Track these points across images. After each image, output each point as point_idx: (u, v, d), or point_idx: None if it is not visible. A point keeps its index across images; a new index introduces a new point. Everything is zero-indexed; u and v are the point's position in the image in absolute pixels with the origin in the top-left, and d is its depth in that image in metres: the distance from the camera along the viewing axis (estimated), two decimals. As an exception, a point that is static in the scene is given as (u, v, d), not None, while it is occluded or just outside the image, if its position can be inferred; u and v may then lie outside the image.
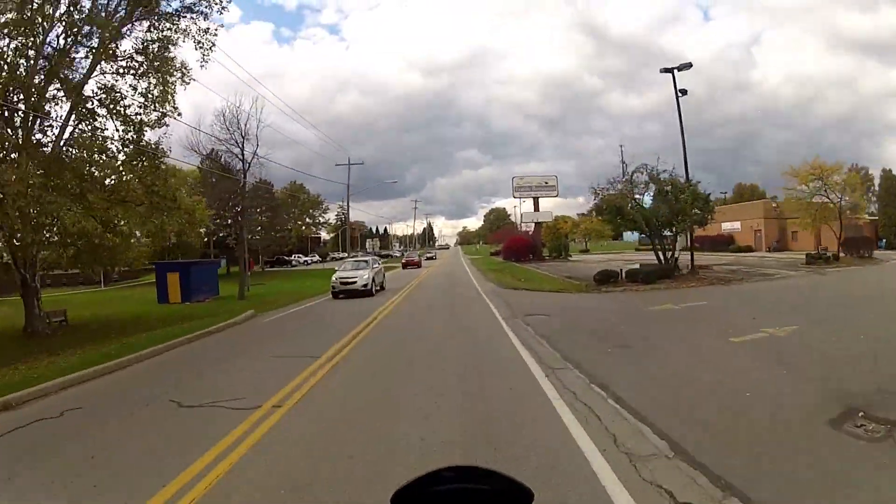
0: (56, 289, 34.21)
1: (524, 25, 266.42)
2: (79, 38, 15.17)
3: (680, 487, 4.07)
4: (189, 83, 16.60)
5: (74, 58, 15.29)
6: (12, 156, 13.81)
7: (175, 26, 16.07)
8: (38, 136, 14.69)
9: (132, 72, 15.74)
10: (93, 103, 14.95)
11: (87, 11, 14.98)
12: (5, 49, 14.15)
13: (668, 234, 24.22)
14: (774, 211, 49.78)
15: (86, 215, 14.86)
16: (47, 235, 14.90)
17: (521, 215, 56.62)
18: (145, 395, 7.92)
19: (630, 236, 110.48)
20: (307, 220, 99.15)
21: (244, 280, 26.18)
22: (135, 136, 15.38)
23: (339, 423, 6.08)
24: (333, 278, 23.67)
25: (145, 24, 15.86)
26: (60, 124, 14.92)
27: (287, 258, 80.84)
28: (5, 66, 14.02)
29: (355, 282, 22.83)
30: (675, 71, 25.56)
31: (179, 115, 16.79)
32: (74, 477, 4.85)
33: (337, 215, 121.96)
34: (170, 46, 16.12)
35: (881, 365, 7.44)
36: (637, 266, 23.77)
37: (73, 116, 14.89)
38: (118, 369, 10.26)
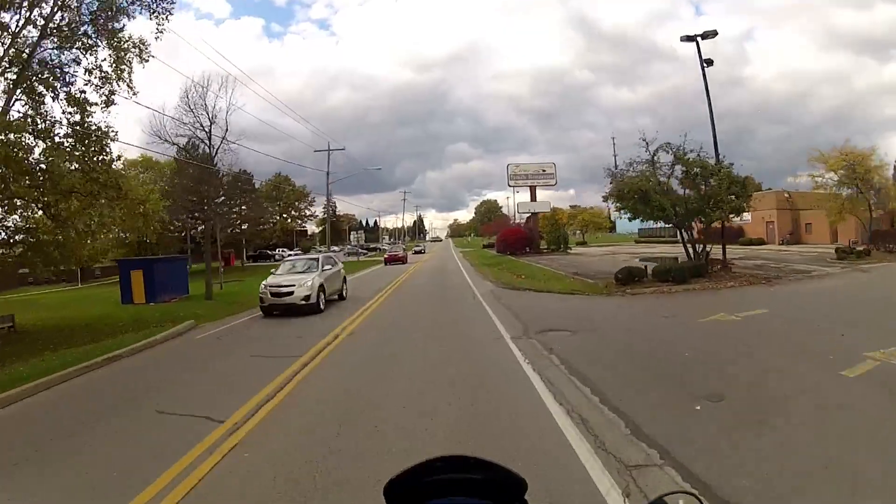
0: (36, 287, 35.14)
1: (516, 19, 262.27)
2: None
3: None
4: (147, 60, 15.36)
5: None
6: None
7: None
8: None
9: (78, 44, 14.55)
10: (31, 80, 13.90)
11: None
12: None
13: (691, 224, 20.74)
14: (788, 202, 46.63)
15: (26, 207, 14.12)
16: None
17: (517, 205, 52.46)
18: None
19: (625, 227, 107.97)
20: (293, 212, 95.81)
21: (211, 279, 23.68)
22: (79, 118, 13.91)
23: None
24: (262, 286, 16.49)
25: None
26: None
27: (270, 252, 77.29)
28: None
29: (292, 292, 15.71)
30: (700, 39, 22.18)
31: (135, 94, 15.27)
32: None
33: (324, 208, 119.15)
34: (118, 16, 15.00)
35: None
36: (652, 261, 20.54)
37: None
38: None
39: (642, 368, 7.98)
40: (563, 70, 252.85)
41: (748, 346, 9.24)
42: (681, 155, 19.56)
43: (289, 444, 5.43)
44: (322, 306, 16.16)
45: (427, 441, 5.23)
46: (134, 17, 15.74)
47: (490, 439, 5.26)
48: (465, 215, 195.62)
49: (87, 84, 14.48)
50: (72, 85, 14.42)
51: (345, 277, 19.90)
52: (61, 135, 13.63)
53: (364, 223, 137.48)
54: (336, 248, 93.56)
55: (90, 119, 14.08)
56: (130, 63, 14.97)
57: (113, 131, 14.14)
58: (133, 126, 68.05)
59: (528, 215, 50.13)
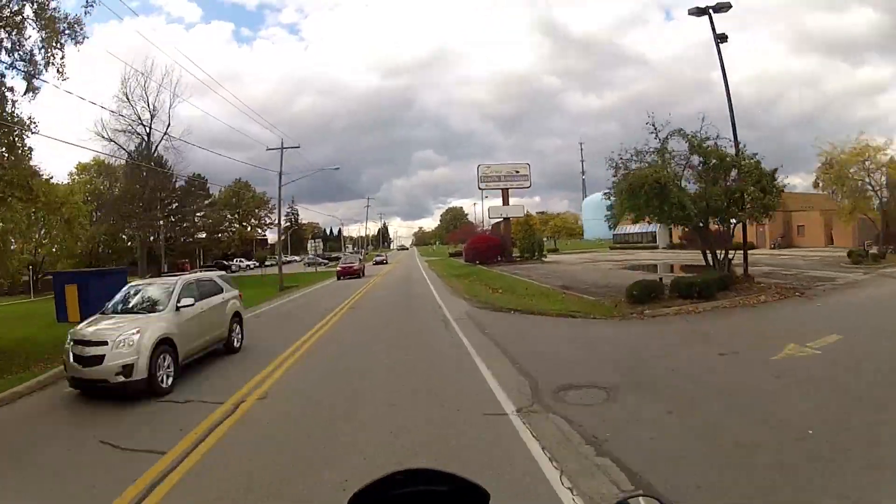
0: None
1: (484, 25, 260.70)
2: None
3: None
4: (82, 42, 13.68)
5: None
6: None
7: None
8: None
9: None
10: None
11: None
12: None
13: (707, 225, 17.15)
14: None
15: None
16: None
17: (488, 209, 48.11)
18: None
19: (594, 233, 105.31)
20: (252, 220, 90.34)
21: None
22: None
23: None
24: (69, 338, 8.41)
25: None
26: None
27: (227, 262, 71.99)
28: None
29: (101, 356, 7.79)
30: (712, 12, 18.79)
31: (65, 79, 13.17)
32: None
33: (287, 216, 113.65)
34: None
35: None
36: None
37: None
38: None
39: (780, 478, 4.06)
40: (530, 75, 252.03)
41: (862, 409, 5.74)
42: (697, 143, 16.01)
43: None
44: (166, 382, 8.16)
45: None
46: None
47: None
48: (431, 223, 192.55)
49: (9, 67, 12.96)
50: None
51: (238, 314, 11.63)
52: None
53: (328, 232, 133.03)
54: (297, 258, 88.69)
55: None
56: (62, 45, 13.08)
57: (34, 123, 12.78)
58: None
59: (497, 221, 46.52)
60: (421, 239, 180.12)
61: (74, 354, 7.99)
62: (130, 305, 9.42)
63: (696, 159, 16.25)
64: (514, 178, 44.75)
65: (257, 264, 68.87)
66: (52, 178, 15.72)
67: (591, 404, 6.39)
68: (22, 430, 7.00)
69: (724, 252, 16.40)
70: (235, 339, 11.21)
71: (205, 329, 9.97)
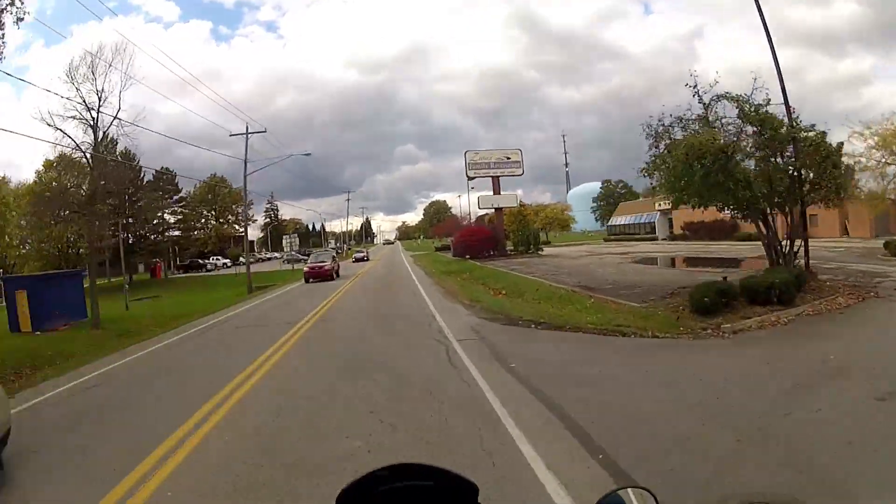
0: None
1: (463, 19, 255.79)
2: None
3: None
4: (23, 18, 13.09)
5: None
6: None
7: None
8: None
9: None
10: None
11: None
12: None
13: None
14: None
15: None
16: None
17: (479, 199, 43.95)
18: None
19: (583, 224, 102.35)
20: (229, 217, 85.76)
21: (96, 302, 18.69)
22: None
23: None
24: None
25: None
26: None
27: (202, 262, 67.86)
28: None
29: None
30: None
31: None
32: None
33: (266, 212, 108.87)
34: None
35: None
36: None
37: None
38: None
39: None
40: (510, 69, 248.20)
41: None
42: (750, 111, 12.87)
43: None
44: None
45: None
46: None
47: None
48: (414, 217, 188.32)
49: None
50: None
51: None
52: None
53: (311, 228, 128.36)
54: (277, 255, 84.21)
55: None
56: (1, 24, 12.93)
57: None
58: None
59: (484, 214, 43.30)
60: (405, 233, 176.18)
61: None
62: None
63: (748, 129, 13.13)
64: (506, 164, 41.49)
65: (230, 263, 65.15)
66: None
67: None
68: None
69: (789, 244, 13.26)
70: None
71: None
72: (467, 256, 39.08)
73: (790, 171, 12.85)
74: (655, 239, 50.82)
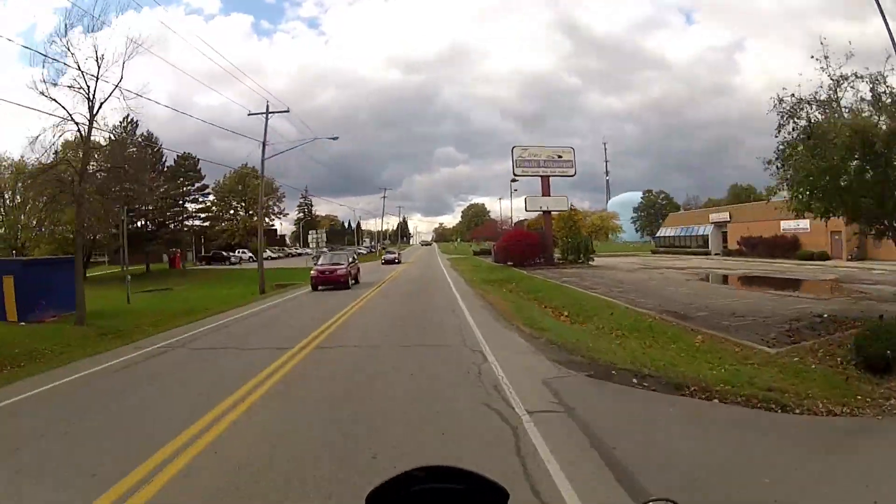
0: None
1: (506, 23, 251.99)
2: None
3: None
4: None
5: None
6: None
7: None
8: None
9: None
10: None
11: None
12: None
13: None
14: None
15: None
16: None
17: (526, 200, 39.06)
18: None
19: (625, 235, 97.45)
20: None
21: (83, 296, 17.04)
22: None
23: None
24: None
25: None
26: None
27: (226, 254, 65.62)
28: None
29: None
30: None
31: None
32: None
33: (300, 207, 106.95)
34: None
35: None
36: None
37: None
38: None
39: None
40: (551, 74, 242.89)
41: None
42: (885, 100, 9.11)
43: None
44: None
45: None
46: None
47: None
48: (451, 220, 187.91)
49: None
50: None
51: None
52: None
53: (346, 225, 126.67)
54: (309, 251, 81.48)
55: None
56: None
57: None
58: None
59: (523, 218, 39.29)
60: (441, 235, 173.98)
61: None
62: None
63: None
64: (556, 163, 37.44)
65: (251, 257, 62.58)
66: None
67: None
68: None
69: None
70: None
71: None
72: (510, 263, 35.38)
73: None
74: (708, 253, 46.15)
